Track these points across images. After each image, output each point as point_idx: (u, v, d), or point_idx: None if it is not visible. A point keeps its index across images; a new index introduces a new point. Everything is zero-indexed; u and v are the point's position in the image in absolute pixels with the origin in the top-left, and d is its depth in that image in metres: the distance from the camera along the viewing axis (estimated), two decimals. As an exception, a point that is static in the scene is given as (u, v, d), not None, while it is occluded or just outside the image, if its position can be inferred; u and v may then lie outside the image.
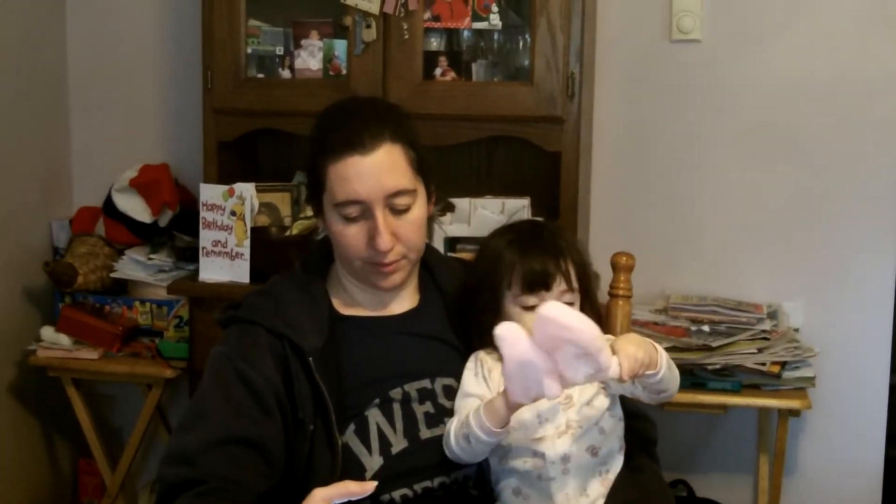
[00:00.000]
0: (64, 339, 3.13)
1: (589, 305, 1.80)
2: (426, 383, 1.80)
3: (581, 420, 1.72)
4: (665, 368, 1.68)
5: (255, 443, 1.67)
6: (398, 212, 1.76)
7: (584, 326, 1.56)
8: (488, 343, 1.74)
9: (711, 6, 3.08)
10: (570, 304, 1.74)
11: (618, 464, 1.76)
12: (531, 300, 1.74)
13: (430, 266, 1.93)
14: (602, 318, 1.89)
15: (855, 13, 3.02)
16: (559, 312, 1.55)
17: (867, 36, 3.01)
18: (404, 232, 1.76)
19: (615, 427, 1.77)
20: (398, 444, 1.75)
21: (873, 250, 3.07)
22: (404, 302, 1.88)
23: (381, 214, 1.73)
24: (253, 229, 2.83)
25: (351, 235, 1.76)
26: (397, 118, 1.80)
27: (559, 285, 1.75)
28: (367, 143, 1.72)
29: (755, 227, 3.13)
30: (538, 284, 1.74)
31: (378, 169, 1.73)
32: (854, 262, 3.08)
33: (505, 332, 1.58)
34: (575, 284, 1.76)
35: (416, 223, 1.78)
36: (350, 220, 1.75)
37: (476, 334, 1.81)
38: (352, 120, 1.76)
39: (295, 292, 1.82)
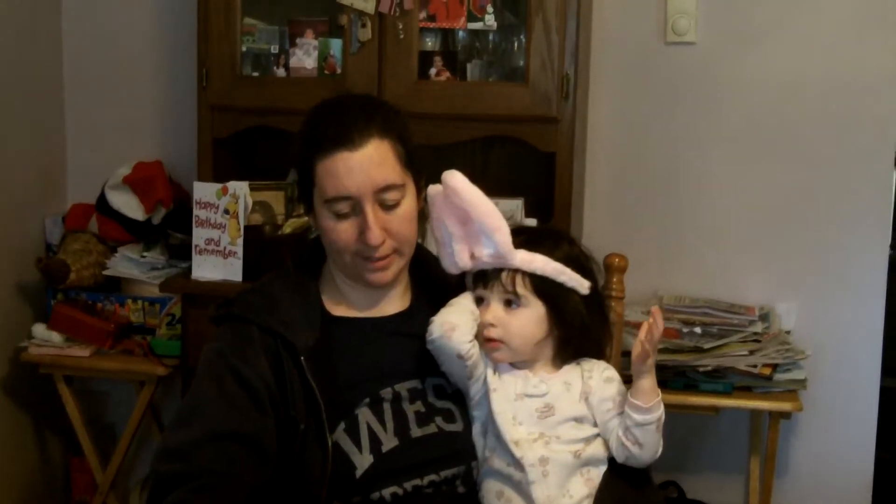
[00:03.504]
0: (56, 336, 3.13)
1: (566, 323, 1.76)
2: (416, 383, 1.80)
3: (561, 435, 1.73)
4: (655, 421, 1.72)
5: (249, 438, 1.67)
6: (388, 207, 1.76)
7: (476, 199, 1.70)
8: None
9: (706, 8, 3.09)
10: (510, 303, 1.75)
11: (602, 466, 1.76)
12: (478, 291, 1.77)
13: (423, 266, 1.93)
14: (598, 331, 1.87)
15: (848, 15, 3.03)
16: (456, 180, 1.71)
17: (861, 38, 3.02)
18: (394, 226, 1.77)
19: (596, 437, 1.77)
20: (389, 442, 1.75)
21: (865, 253, 3.07)
22: (395, 302, 1.88)
23: (370, 209, 1.74)
24: (246, 227, 2.83)
25: (341, 231, 1.76)
26: (386, 113, 1.81)
27: (498, 288, 1.75)
28: (356, 138, 1.73)
29: (748, 228, 3.14)
30: (478, 278, 1.77)
31: (367, 164, 1.73)
32: (846, 264, 3.08)
33: (432, 192, 1.76)
34: (521, 290, 1.74)
35: (405, 218, 1.78)
36: (340, 216, 1.76)
37: None
38: (340, 116, 1.77)
39: (288, 291, 1.82)
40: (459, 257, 1.75)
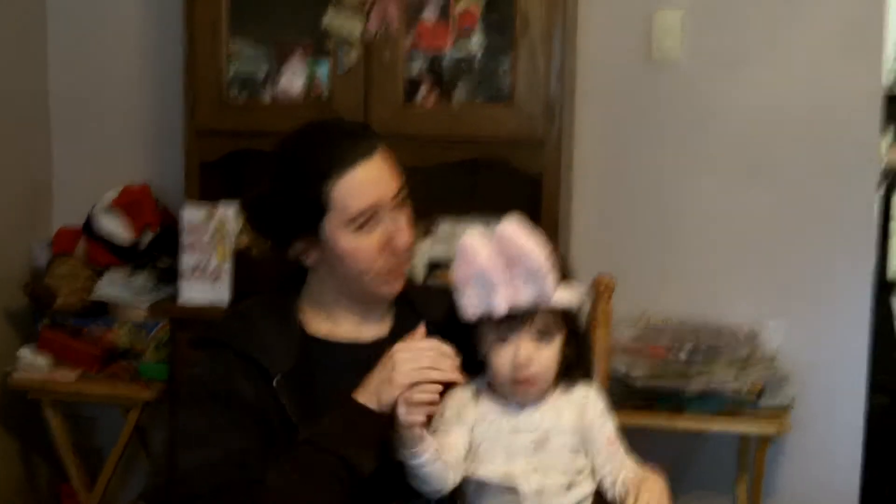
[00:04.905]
0: (42, 361, 3.11)
1: (574, 344, 1.75)
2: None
3: (557, 465, 1.71)
4: None
5: (245, 453, 1.67)
6: (399, 210, 1.78)
7: (537, 249, 1.66)
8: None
9: (692, 28, 3.11)
10: (542, 338, 1.69)
11: (591, 495, 1.75)
12: (501, 333, 1.70)
13: (407, 292, 1.91)
14: (588, 351, 1.86)
15: (832, 39, 3.05)
16: (515, 232, 1.66)
17: (844, 61, 3.04)
18: (407, 226, 1.79)
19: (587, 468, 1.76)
20: (370, 465, 1.74)
21: (851, 273, 3.08)
22: (377, 327, 1.87)
23: (395, 214, 1.76)
24: (234, 250, 2.83)
25: (366, 247, 1.75)
26: (367, 125, 1.87)
27: (534, 326, 1.69)
28: (368, 147, 1.75)
29: (735, 249, 3.14)
30: (503, 320, 1.69)
31: (384, 170, 1.76)
32: (832, 285, 3.09)
33: (470, 241, 1.68)
34: (555, 322, 1.71)
35: (410, 217, 1.80)
36: (364, 231, 1.74)
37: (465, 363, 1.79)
38: (340, 133, 1.78)
39: (267, 314, 1.81)
40: (498, 304, 1.66)
